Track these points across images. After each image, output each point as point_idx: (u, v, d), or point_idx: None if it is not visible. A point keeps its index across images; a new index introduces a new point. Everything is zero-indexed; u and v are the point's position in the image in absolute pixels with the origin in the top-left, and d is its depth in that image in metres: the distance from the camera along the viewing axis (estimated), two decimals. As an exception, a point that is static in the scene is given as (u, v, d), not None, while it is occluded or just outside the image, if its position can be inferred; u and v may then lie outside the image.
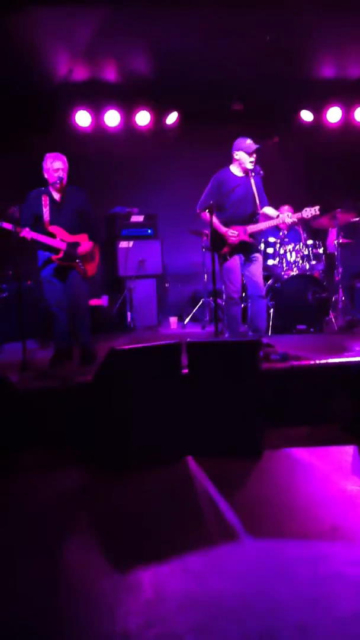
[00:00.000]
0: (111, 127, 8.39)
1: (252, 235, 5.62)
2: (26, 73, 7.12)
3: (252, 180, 5.57)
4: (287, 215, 5.58)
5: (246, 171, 5.57)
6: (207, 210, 5.34)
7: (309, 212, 5.50)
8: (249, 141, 5.52)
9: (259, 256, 5.72)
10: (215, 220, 5.51)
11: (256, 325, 5.66)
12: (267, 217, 5.71)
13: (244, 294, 6.06)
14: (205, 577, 2.46)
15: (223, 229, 5.55)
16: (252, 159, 5.52)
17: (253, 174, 5.56)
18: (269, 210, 5.73)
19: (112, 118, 8.33)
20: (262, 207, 5.68)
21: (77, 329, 5.48)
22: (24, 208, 5.26)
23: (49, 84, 7.50)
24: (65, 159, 5.38)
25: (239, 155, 5.55)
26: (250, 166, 5.53)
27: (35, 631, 2.20)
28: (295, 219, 5.62)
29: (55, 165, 5.30)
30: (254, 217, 5.68)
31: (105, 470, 3.72)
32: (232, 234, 5.52)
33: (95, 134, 8.34)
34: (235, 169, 5.64)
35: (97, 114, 8.28)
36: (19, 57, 6.71)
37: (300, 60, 7.44)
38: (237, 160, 5.59)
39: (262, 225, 5.67)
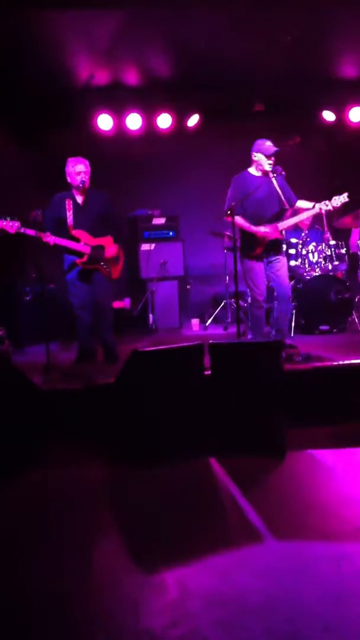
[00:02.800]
0: (133, 129, 8.42)
1: (282, 232, 5.61)
2: (49, 77, 7.18)
3: (274, 180, 5.53)
4: (323, 204, 5.49)
5: (265, 172, 5.55)
6: (229, 213, 5.32)
7: (338, 200, 5.43)
8: (268, 143, 5.48)
9: (283, 258, 5.71)
10: (242, 221, 5.48)
11: (280, 327, 5.66)
12: (302, 210, 5.66)
13: (271, 295, 6.06)
14: (230, 576, 2.48)
15: (254, 228, 5.50)
16: (271, 162, 5.48)
17: (274, 174, 5.51)
18: (303, 203, 5.67)
19: (134, 121, 8.36)
20: (292, 204, 5.63)
21: (100, 329, 5.55)
22: (48, 212, 5.31)
23: (71, 88, 7.56)
24: (87, 162, 5.43)
25: (258, 157, 5.52)
26: (268, 168, 5.49)
27: (62, 623, 2.23)
28: (331, 207, 5.51)
29: (77, 169, 5.34)
30: (281, 216, 5.63)
31: (128, 469, 3.75)
32: (265, 230, 5.49)
33: (117, 136, 8.38)
34: (253, 171, 5.61)
35: (118, 117, 8.32)
36: (41, 61, 6.77)
37: (323, 59, 7.40)
38: (255, 161, 5.57)
39: (293, 220, 5.61)
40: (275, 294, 5.75)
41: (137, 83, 7.82)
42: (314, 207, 5.55)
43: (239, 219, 5.42)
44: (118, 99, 8.05)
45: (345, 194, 5.42)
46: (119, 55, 6.99)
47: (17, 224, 5.01)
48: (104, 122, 8.24)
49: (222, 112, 8.37)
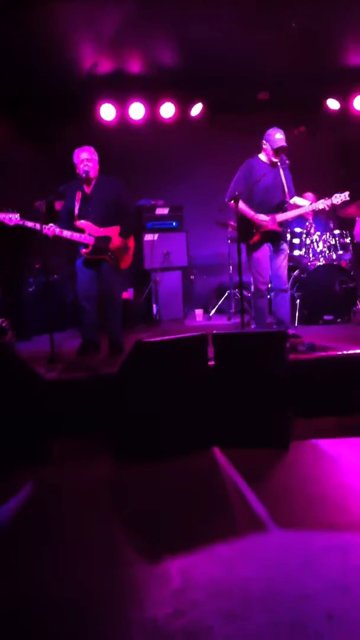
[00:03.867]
0: (136, 119, 8.39)
1: (280, 224, 5.59)
2: (52, 68, 7.15)
3: (281, 171, 5.53)
4: (320, 202, 5.49)
5: (272, 162, 5.54)
6: (233, 200, 5.31)
7: (339, 197, 5.41)
8: (278, 135, 5.45)
9: (285, 248, 5.69)
10: (243, 205, 5.46)
11: (280, 317, 5.63)
12: (297, 207, 5.65)
13: (270, 285, 6.02)
14: (234, 566, 2.48)
15: (252, 213, 5.50)
16: (276, 159, 5.49)
17: (279, 163, 5.52)
18: (298, 200, 5.68)
19: (137, 111, 8.33)
20: (290, 197, 5.64)
21: (108, 320, 5.52)
22: (64, 204, 5.31)
23: (74, 78, 7.53)
24: (92, 150, 5.37)
25: (267, 145, 5.52)
26: (274, 159, 5.50)
27: (65, 614, 2.24)
28: (327, 205, 5.51)
29: (82, 157, 5.29)
30: (282, 207, 5.62)
31: (133, 460, 3.75)
32: (263, 219, 5.48)
33: (121, 126, 8.35)
34: (263, 157, 5.61)
35: (122, 107, 8.29)
36: (45, 51, 6.74)
37: (327, 47, 7.34)
38: (265, 149, 5.56)
39: (291, 214, 5.61)
40: (272, 285, 5.72)
41: (140, 72, 7.77)
42: (310, 204, 5.56)
43: (241, 205, 5.41)
44: (121, 89, 8.02)
45: (347, 193, 5.41)
46: (123, 44, 6.95)
47: (16, 216, 4.99)
48: (107, 112, 8.21)
49: (226, 102, 8.33)
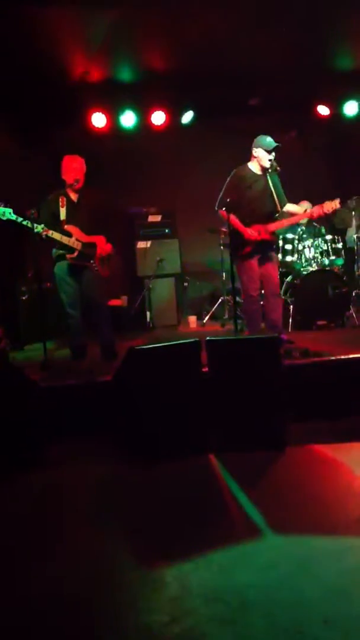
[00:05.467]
0: (127, 127, 8.41)
1: (273, 233, 5.59)
2: (43, 75, 7.15)
3: (269, 179, 5.52)
4: (315, 210, 5.51)
5: (264, 169, 5.53)
6: (224, 209, 5.31)
7: (330, 205, 5.43)
8: (269, 139, 5.46)
9: (274, 255, 5.69)
10: (234, 218, 5.43)
11: (272, 323, 5.61)
12: (291, 214, 5.67)
13: (262, 292, 6.03)
14: (230, 571, 2.46)
15: (242, 228, 5.47)
16: (271, 157, 5.46)
17: (270, 171, 5.51)
18: (291, 207, 5.69)
19: (128, 118, 8.35)
20: (282, 205, 5.63)
21: (98, 327, 5.53)
22: (43, 207, 5.30)
23: (65, 85, 7.53)
24: (82, 160, 5.41)
25: (258, 152, 5.50)
26: (267, 164, 5.47)
27: (62, 619, 2.22)
28: (319, 214, 5.54)
29: (74, 165, 5.34)
30: (273, 216, 5.62)
31: (129, 466, 3.74)
32: (252, 233, 5.47)
33: (112, 134, 8.36)
34: (253, 166, 5.58)
35: (112, 114, 8.30)
36: (36, 59, 6.74)
37: (317, 52, 7.38)
38: (255, 157, 5.54)
39: (284, 223, 5.62)
40: (264, 291, 5.71)
41: (131, 79, 7.79)
42: (305, 211, 5.58)
43: (232, 217, 5.39)
44: (112, 96, 8.03)
45: (337, 200, 5.44)
46: (113, 51, 6.96)
47: (9, 210, 4.99)
48: (98, 119, 8.22)
49: (217, 108, 8.35)
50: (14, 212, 5.01)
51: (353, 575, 2.37)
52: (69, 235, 5.28)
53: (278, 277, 5.71)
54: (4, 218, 4.97)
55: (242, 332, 5.96)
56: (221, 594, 2.30)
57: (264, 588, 2.32)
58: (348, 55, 7.62)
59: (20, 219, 5.01)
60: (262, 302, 5.80)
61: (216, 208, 5.50)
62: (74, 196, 5.42)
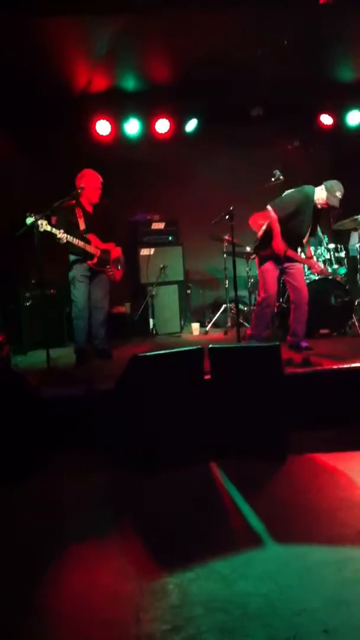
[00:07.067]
0: (131, 134, 8.44)
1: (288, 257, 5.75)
2: (48, 84, 7.20)
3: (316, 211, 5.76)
4: (314, 264, 6.15)
5: (323, 204, 5.67)
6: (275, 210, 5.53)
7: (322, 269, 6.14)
8: (338, 194, 5.58)
9: (298, 264, 5.83)
10: (276, 223, 5.58)
11: (296, 330, 5.73)
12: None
13: (281, 299, 6.18)
14: (231, 580, 2.47)
15: (278, 239, 5.59)
16: (336, 204, 5.61)
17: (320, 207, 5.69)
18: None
19: (132, 126, 8.39)
20: (311, 237, 5.97)
21: (97, 329, 5.88)
22: (58, 215, 5.54)
23: (69, 94, 7.58)
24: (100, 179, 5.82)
25: (325, 194, 5.61)
26: (318, 206, 5.68)
27: (64, 628, 2.23)
28: (319, 271, 6.20)
29: (98, 183, 5.75)
30: (301, 242, 5.87)
31: (131, 473, 3.74)
32: (280, 246, 5.60)
33: (116, 141, 8.39)
34: (319, 195, 5.69)
35: (117, 122, 8.34)
36: (40, 68, 6.79)
37: (320, 63, 7.41)
38: (326, 191, 5.63)
39: (296, 257, 5.79)
40: (292, 299, 5.89)
41: (135, 88, 7.83)
42: (307, 260, 6.10)
43: (275, 220, 5.56)
44: (116, 104, 8.07)
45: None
46: (118, 61, 7.00)
47: (45, 222, 5.24)
48: (103, 127, 8.25)
49: (221, 117, 8.37)
50: (48, 223, 5.27)
51: (353, 585, 2.38)
52: (89, 242, 5.66)
53: (305, 285, 5.88)
54: (41, 229, 5.13)
55: (244, 340, 5.97)
56: (222, 603, 2.32)
57: (265, 598, 2.33)
58: (351, 65, 7.64)
59: (54, 229, 5.30)
60: (279, 309, 5.98)
61: (270, 207, 5.60)
62: (89, 208, 5.79)
